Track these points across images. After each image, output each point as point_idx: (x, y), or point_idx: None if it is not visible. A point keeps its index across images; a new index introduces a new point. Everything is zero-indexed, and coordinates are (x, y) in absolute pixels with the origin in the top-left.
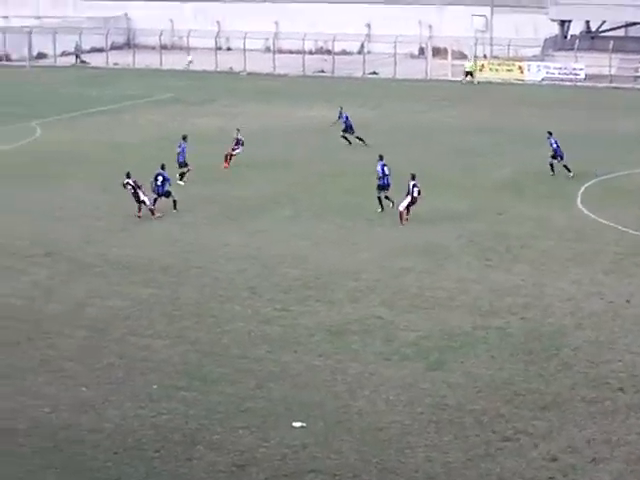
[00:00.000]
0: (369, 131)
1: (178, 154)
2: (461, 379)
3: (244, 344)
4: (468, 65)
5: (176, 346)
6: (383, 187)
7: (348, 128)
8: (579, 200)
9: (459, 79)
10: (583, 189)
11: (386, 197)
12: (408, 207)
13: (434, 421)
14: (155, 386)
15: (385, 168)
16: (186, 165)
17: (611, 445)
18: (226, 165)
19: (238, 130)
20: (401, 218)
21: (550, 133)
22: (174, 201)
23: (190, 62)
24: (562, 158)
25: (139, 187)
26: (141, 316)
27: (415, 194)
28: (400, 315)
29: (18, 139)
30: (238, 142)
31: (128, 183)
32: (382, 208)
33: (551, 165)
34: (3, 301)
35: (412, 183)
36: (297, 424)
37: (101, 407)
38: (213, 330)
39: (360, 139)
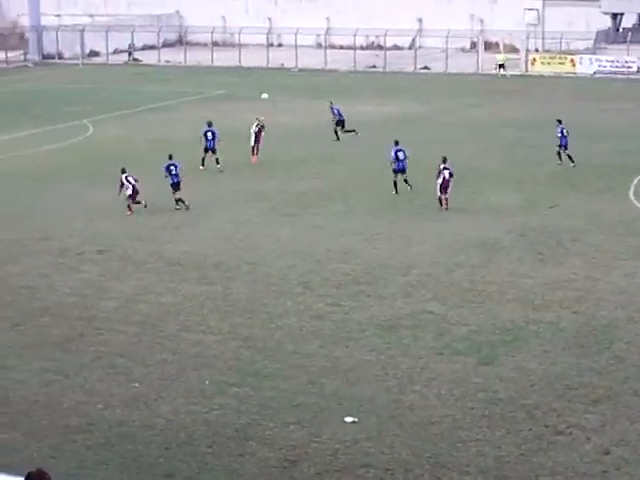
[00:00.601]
0: (422, 126)
1: (210, 140)
2: (513, 373)
3: (296, 340)
4: (500, 57)
5: (228, 342)
6: (398, 171)
7: (340, 123)
8: (632, 193)
9: (508, 73)
10: (636, 181)
11: (405, 180)
12: (444, 190)
13: (486, 415)
14: (207, 382)
15: (399, 153)
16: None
17: None
18: (254, 160)
19: (258, 120)
20: (440, 203)
21: (559, 121)
22: (179, 200)
23: (264, 97)
24: (566, 148)
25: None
26: (193, 312)
27: (447, 176)
28: (451, 309)
29: (70, 137)
30: (260, 131)
31: (127, 180)
32: (396, 191)
33: (558, 154)
34: (55, 299)
35: (442, 166)
36: (349, 419)
37: (153, 403)
38: (265, 326)
39: (350, 131)
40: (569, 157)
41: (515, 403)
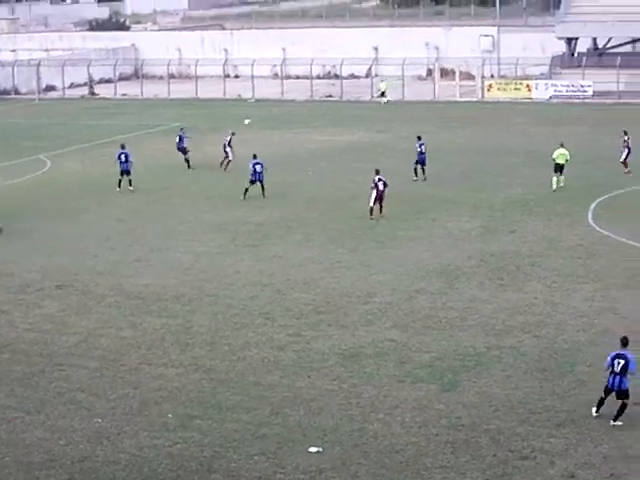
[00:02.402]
0: (379, 154)
1: (124, 163)
2: (476, 399)
3: (258, 371)
4: (382, 85)
5: (190, 374)
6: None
7: (181, 150)
8: (590, 217)
9: (465, 99)
10: (594, 205)
11: (423, 170)
12: (378, 200)
13: (450, 442)
14: (170, 415)
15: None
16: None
17: (628, 460)
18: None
19: (233, 133)
20: (371, 212)
21: (419, 137)
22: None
23: (248, 122)
24: (423, 164)
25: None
26: (154, 345)
27: (382, 187)
28: (413, 337)
29: (28, 172)
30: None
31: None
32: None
33: (415, 170)
34: (15, 335)
35: (377, 177)
36: (313, 449)
37: (116, 438)
38: (227, 357)
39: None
40: (423, 172)
41: (478, 429)
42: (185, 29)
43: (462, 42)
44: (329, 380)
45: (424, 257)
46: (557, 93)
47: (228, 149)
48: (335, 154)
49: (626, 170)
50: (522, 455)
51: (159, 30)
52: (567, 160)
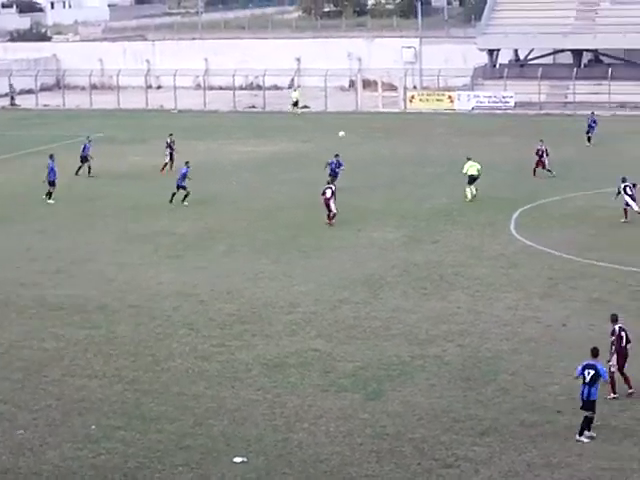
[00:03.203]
0: (302, 164)
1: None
2: (400, 408)
3: (182, 381)
4: (294, 95)
5: (113, 385)
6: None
7: (82, 158)
8: (512, 227)
9: (387, 110)
10: (516, 215)
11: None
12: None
13: (374, 451)
14: (93, 426)
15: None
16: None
17: (551, 468)
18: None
19: (171, 135)
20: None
21: (336, 155)
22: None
23: (342, 134)
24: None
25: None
26: (77, 357)
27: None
28: (337, 346)
29: None
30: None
31: None
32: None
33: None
34: None
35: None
36: (238, 459)
37: (39, 449)
38: (151, 368)
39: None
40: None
41: (403, 437)
42: (107, 40)
43: (384, 53)
44: (253, 390)
45: (348, 267)
46: (479, 104)
47: (167, 152)
48: (259, 165)
49: (551, 175)
50: (446, 464)
51: (81, 41)
52: (479, 171)
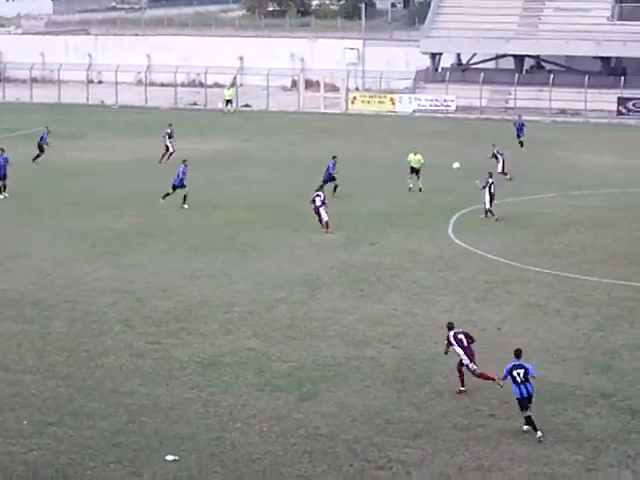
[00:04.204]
0: (243, 163)
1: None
2: (334, 409)
3: (116, 378)
4: (227, 93)
5: (47, 381)
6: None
7: (39, 146)
8: (450, 230)
9: (329, 111)
10: (454, 219)
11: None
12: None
13: (307, 451)
14: (25, 422)
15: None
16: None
17: (483, 471)
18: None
19: (170, 125)
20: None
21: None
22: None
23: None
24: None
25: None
26: (10, 351)
27: (318, 203)
28: (273, 346)
29: None
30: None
31: None
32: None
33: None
34: None
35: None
36: (170, 457)
37: None
38: (85, 364)
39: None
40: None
41: (336, 438)
42: (49, 33)
43: (327, 54)
44: (187, 388)
45: (286, 267)
46: (420, 107)
47: (168, 142)
48: (200, 163)
49: (507, 177)
50: (378, 465)
51: (23, 34)
52: (421, 163)
